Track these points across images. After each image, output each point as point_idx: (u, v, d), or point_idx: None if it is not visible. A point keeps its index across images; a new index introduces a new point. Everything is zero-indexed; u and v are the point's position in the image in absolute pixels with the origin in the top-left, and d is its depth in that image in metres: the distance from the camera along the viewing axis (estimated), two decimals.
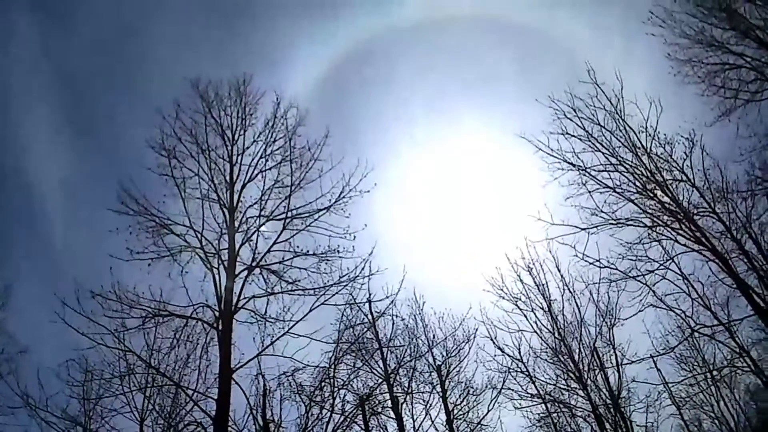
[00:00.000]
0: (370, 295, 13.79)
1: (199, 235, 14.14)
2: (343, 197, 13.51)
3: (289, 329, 13.45)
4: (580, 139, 14.06)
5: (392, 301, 13.53)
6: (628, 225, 14.18)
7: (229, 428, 13.03)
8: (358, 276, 13.29)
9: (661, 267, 14.58)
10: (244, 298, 13.90)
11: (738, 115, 15.01)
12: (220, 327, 13.44)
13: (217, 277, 13.85)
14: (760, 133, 15.29)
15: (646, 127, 14.00)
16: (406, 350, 14.85)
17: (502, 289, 15.09)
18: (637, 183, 14.04)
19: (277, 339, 13.56)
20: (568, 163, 13.95)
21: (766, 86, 15.35)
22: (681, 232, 14.61)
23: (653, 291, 14.77)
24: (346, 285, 13.38)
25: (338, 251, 13.45)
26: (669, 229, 14.53)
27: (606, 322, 14.58)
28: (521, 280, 15.05)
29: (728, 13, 14.51)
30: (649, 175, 14.09)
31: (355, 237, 13.38)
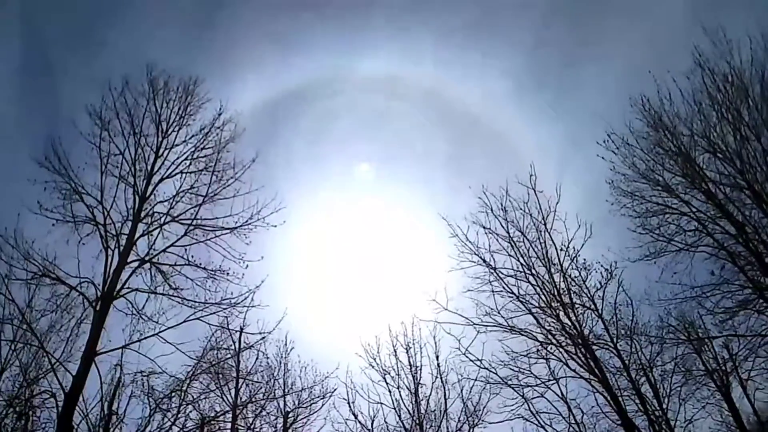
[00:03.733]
0: (243, 324, 13.74)
1: (105, 212, 14.15)
2: (250, 224, 13.61)
3: (159, 332, 13.54)
4: (499, 240, 13.88)
5: (264, 337, 13.46)
6: (521, 335, 13.95)
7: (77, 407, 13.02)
8: (239, 303, 13.33)
9: (541, 384, 14.32)
10: (128, 288, 13.96)
11: (666, 260, 14.76)
12: (98, 307, 13.53)
13: (110, 258, 13.90)
14: (686, 284, 15.05)
15: (568, 247, 13.81)
16: (261, 388, 14.79)
17: (374, 359, 14.94)
18: (543, 298, 13.81)
19: (145, 338, 13.66)
20: (480, 258, 13.76)
21: (704, 240, 15.11)
22: (575, 357, 14.39)
23: (530, 405, 14.51)
24: (226, 308, 13.41)
25: (228, 273, 13.45)
26: (562, 350, 14.28)
27: (469, 421, 14.34)
28: (396, 356, 14.88)
29: (685, 159, 14.26)
30: (557, 294, 13.86)
31: (247, 266, 13.43)
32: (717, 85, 14.23)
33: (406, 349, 14.71)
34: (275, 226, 13.51)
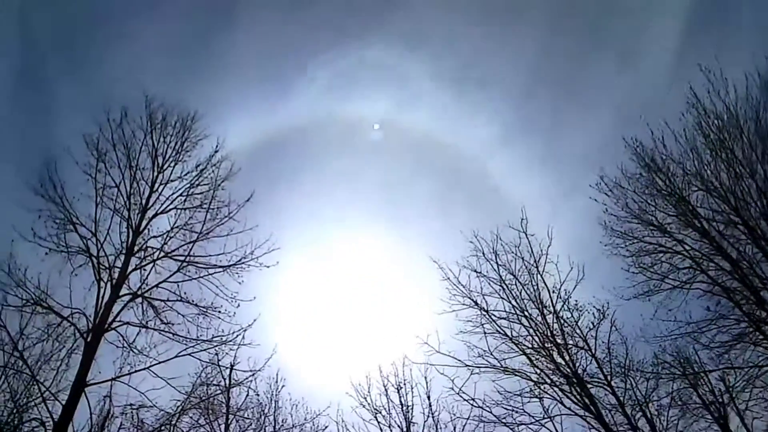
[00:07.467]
0: (234, 362, 13.75)
1: (99, 245, 14.17)
2: (243, 263, 13.65)
3: (149, 367, 13.59)
4: (491, 283, 13.84)
5: (253, 374, 13.46)
6: (515, 375, 13.87)
7: None
8: (230, 341, 13.34)
9: (536, 422, 14.21)
10: (119, 321, 13.97)
11: (660, 298, 14.68)
12: (89, 339, 13.59)
13: (102, 290, 13.94)
14: (681, 321, 14.96)
15: (560, 290, 13.76)
16: (252, 424, 14.70)
17: (365, 398, 14.76)
18: (536, 339, 13.73)
19: (135, 371, 13.68)
20: (473, 300, 13.71)
21: (699, 277, 15.03)
22: (569, 395, 14.29)
23: None
24: (216, 346, 13.41)
25: (219, 311, 13.48)
26: (557, 389, 14.19)
27: None
28: (387, 395, 14.70)
29: (678, 198, 14.22)
30: (550, 335, 13.78)
31: (239, 305, 13.45)
32: (711, 123, 14.23)
33: (397, 388, 14.57)
34: (268, 266, 13.56)
